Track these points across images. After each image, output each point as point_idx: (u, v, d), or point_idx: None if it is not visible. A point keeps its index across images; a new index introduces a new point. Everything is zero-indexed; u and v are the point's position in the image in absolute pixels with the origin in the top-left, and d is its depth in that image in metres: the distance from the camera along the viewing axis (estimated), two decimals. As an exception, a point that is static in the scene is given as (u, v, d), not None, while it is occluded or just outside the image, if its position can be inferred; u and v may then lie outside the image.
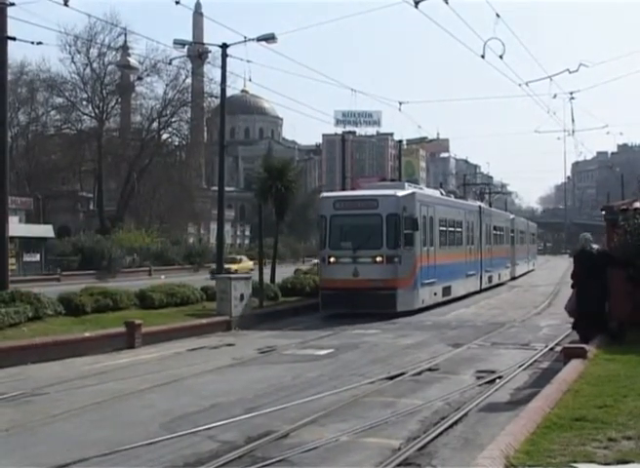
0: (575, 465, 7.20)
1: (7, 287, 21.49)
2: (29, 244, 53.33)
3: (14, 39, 22.26)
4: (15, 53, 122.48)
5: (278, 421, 10.71)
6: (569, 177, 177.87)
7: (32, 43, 24.26)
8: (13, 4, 21.63)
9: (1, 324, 18.18)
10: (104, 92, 77.29)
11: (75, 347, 17.90)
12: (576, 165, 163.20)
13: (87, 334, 18.81)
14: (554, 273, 52.07)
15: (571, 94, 34.56)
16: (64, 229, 67.63)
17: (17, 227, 44.74)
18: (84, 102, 78.70)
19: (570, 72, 29.86)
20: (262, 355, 18.24)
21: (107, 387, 13.70)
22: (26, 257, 53.26)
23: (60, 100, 79.77)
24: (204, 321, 23.23)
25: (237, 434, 10.05)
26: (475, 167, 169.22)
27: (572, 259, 15.64)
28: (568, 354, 13.29)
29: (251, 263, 55.68)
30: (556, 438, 8.09)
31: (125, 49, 78.10)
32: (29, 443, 9.96)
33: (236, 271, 43.25)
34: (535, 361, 16.16)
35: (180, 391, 13.51)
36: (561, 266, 57.86)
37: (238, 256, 60.54)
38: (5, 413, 11.64)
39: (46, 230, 57.60)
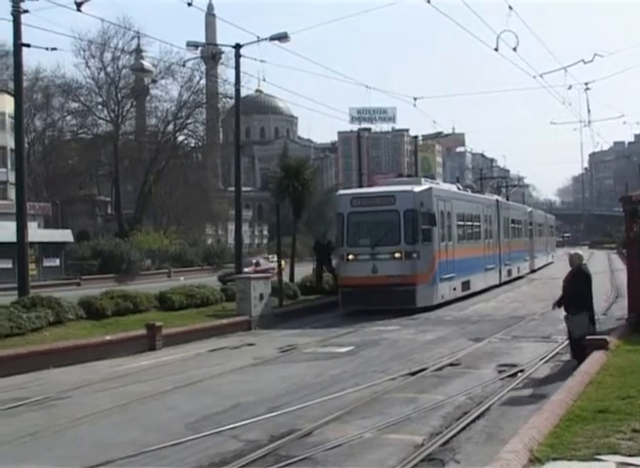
0: (599, 457, 7.19)
1: (28, 292, 21.60)
2: (49, 249, 53.70)
3: (28, 46, 22.36)
4: (30, 59, 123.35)
5: (301, 420, 10.73)
6: (586, 169, 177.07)
7: (47, 49, 24.28)
8: (27, 11, 21.72)
9: (23, 329, 18.27)
10: (119, 95, 77.61)
11: (97, 351, 17.99)
12: (593, 156, 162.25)
13: (108, 338, 18.89)
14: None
15: (586, 84, 34.38)
16: (83, 233, 67.96)
17: (36, 233, 45.07)
18: (99, 107, 79.13)
19: (584, 63, 29.72)
20: (283, 354, 18.27)
21: (130, 389, 13.76)
22: (46, 262, 53.64)
23: (75, 105, 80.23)
24: (224, 321, 23.28)
25: (261, 433, 10.08)
26: (491, 161, 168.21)
27: (572, 273, 15.19)
28: (589, 346, 13.26)
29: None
30: (580, 430, 8.08)
31: (138, 52, 78.26)
32: (55, 446, 10.03)
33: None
34: (556, 353, 16.13)
35: (202, 392, 13.56)
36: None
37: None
38: (30, 417, 11.72)
39: (65, 235, 57.96)
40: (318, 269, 30.58)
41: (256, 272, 44.24)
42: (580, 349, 13.78)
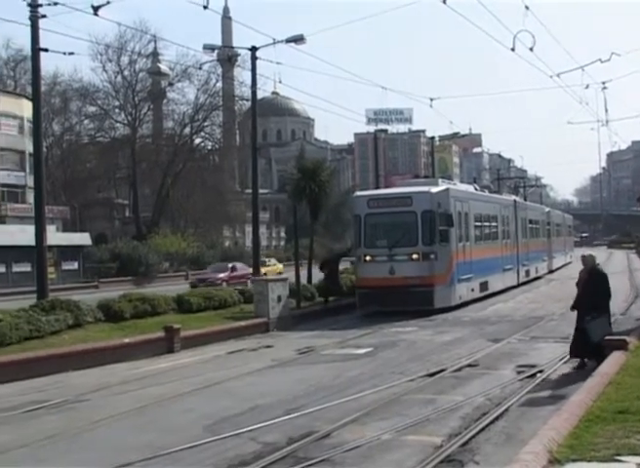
0: (619, 458, 7.14)
1: (47, 295, 21.74)
2: (67, 252, 53.96)
3: (46, 50, 22.51)
4: (47, 64, 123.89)
5: (319, 421, 10.71)
6: (604, 168, 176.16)
7: (64, 53, 24.43)
8: (44, 16, 21.85)
9: (42, 332, 18.37)
10: (136, 99, 77.88)
11: (115, 353, 18.05)
12: (610, 155, 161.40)
13: (126, 340, 18.96)
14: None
15: (603, 83, 34.26)
16: (101, 237, 68.26)
17: (54, 236, 45.25)
18: (116, 110, 79.47)
19: (601, 62, 29.66)
20: (301, 356, 18.27)
21: (148, 392, 13.79)
22: (65, 266, 53.91)
23: (92, 109, 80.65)
24: (242, 323, 23.31)
25: (279, 435, 10.07)
26: (509, 161, 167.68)
27: (589, 274, 15.07)
28: (609, 346, 13.18)
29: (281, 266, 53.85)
30: (599, 431, 8.02)
31: (155, 55, 78.67)
32: (73, 448, 10.06)
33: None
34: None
35: (220, 394, 13.57)
36: (598, 257, 57.15)
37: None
38: (49, 420, 11.77)
39: (83, 238, 58.18)
40: (326, 282, 30.44)
41: (231, 278, 43.13)
42: (598, 350, 13.69)
